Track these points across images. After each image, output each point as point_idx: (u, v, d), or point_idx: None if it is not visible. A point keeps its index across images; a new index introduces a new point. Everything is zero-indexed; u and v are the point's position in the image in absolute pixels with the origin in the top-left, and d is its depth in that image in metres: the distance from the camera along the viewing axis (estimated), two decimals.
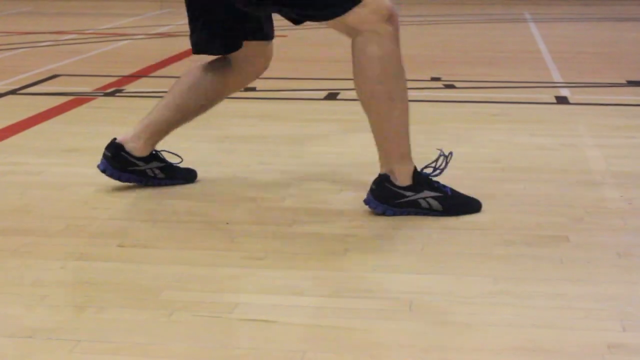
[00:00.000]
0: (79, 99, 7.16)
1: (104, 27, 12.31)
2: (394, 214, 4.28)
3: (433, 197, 4.29)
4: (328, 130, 6.11)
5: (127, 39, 11.04)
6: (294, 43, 10.73)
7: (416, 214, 4.28)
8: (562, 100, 7.20)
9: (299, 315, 3.24)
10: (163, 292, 3.44)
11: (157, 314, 3.25)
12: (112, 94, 7.40)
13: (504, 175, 5.03)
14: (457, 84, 7.85)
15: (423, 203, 4.28)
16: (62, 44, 10.60)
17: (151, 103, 7.07)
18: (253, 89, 7.55)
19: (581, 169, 5.16)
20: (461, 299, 3.38)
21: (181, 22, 12.89)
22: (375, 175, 4.35)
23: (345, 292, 3.45)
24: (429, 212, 4.28)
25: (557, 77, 8.25)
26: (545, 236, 4.05)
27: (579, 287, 3.50)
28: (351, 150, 5.58)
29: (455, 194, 4.36)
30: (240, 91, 7.48)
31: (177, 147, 5.67)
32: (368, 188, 4.35)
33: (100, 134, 6.03)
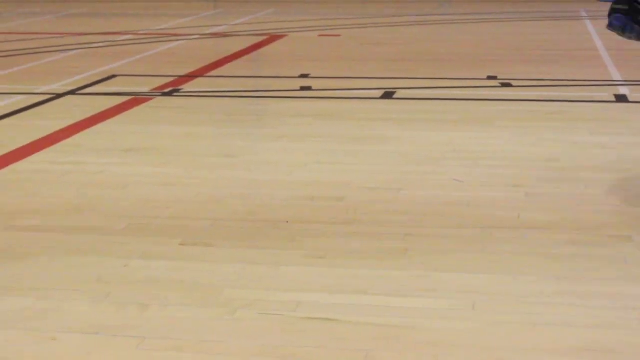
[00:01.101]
0: (137, 99, 7.23)
1: (159, 27, 12.41)
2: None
3: None
4: (385, 129, 6.10)
5: (182, 39, 11.12)
6: (349, 42, 10.73)
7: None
8: (621, 98, 7.12)
9: (362, 314, 3.24)
10: (225, 290, 3.46)
11: (221, 312, 3.27)
12: (169, 94, 7.46)
13: (564, 175, 4.99)
14: (513, 83, 7.80)
15: None
16: (118, 45, 10.71)
17: (208, 102, 7.14)
18: (309, 88, 7.56)
19: None
20: (524, 298, 3.36)
21: (235, 22, 12.96)
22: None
23: (408, 291, 3.45)
24: None
25: (615, 75, 8.16)
26: (607, 236, 4.01)
27: None
28: (408, 149, 5.57)
29: None
30: (296, 90, 7.55)
31: (233, 145, 5.72)
32: (428, 187, 4.33)
33: (159, 133, 6.09)
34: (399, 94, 7.23)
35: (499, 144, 5.66)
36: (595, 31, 11.31)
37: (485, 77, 8.09)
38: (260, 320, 3.20)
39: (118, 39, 11.17)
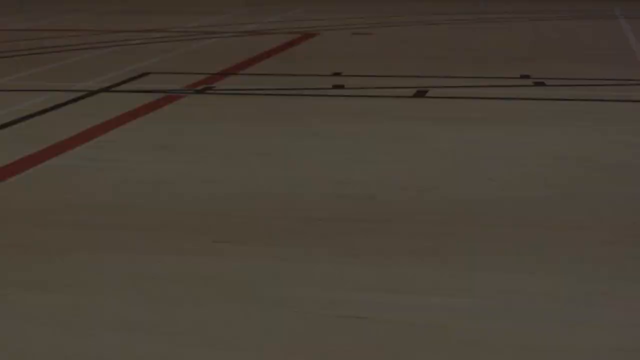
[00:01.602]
0: (170, 97, 7.25)
1: (192, 25, 12.45)
2: None
3: None
4: (417, 127, 6.08)
5: (214, 37, 11.15)
6: (382, 40, 10.72)
7: None
8: None
9: (394, 313, 3.23)
10: (258, 287, 3.46)
11: (253, 308, 3.27)
12: (202, 92, 7.48)
13: (598, 174, 4.95)
14: (547, 82, 7.76)
15: None
16: (151, 42, 10.75)
17: (240, 100, 7.16)
18: (341, 87, 7.55)
19: None
20: (559, 298, 3.34)
21: (267, 20, 12.97)
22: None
23: (440, 290, 3.43)
24: None
25: None
26: None
27: None
28: (441, 148, 5.55)
29: None
30: (328, 88, 7.55)
31: (267, 143, 5.73)
32: (462, 186, 4.31)
33: (192, 131, 6.11)
34: (432, 92, 7.20)
35: (532, 143, 5.63)
36: (630, 30, 11.23)
37: (519, 75, 8.05)
38: (292, 317, 3.20)
39: (151, 37, 11.22)
